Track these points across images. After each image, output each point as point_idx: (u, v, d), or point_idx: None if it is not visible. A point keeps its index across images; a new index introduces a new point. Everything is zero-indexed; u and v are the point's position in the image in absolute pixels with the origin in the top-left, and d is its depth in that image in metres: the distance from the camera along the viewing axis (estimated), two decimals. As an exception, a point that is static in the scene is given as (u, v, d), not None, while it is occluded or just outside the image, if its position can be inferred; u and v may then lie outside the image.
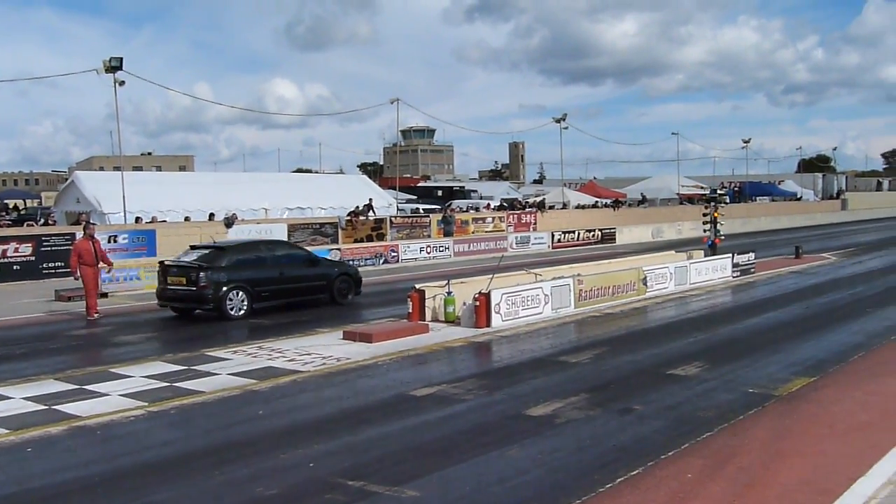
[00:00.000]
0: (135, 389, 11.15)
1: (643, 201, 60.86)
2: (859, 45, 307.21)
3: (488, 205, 50.60)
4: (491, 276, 17.70)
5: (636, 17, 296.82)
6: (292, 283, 19.04)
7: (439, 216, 39.38)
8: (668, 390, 10.88)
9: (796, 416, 9.53)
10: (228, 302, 17.74)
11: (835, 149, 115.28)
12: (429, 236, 37.19)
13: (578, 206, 53.32)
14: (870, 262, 30.87)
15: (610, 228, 45.12)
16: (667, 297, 20.97)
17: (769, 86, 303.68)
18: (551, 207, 50.38)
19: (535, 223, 43.63)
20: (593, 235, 43.33)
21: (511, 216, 43.09)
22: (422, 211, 44.98)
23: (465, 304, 16.57)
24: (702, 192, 60.04)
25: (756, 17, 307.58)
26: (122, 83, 28.62)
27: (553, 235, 41.26)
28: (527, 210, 46.81)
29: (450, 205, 48.92)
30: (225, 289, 17.69)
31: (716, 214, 26.32)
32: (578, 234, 42.48)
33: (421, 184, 76.48)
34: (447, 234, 37.57)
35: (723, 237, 26.90)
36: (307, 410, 10.25)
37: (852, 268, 28.55)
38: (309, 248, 23.11)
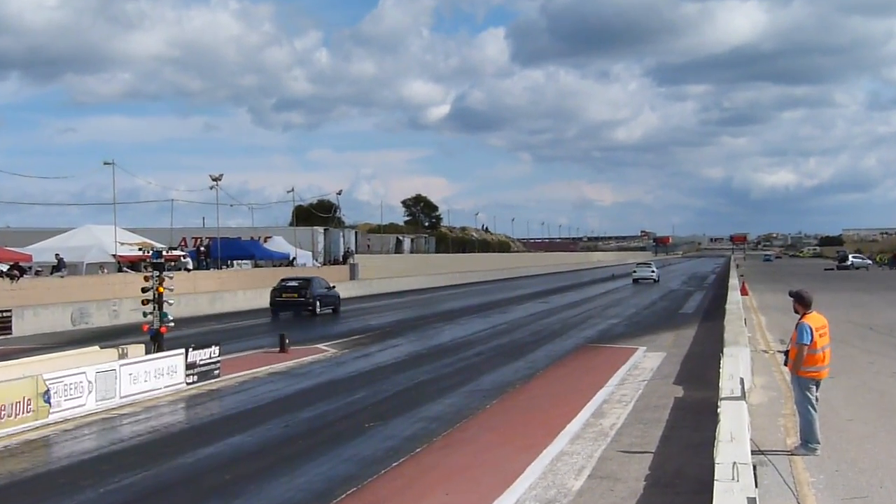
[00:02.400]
0: None
1: (60, 267, 60.22)
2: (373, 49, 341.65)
3: None
4: None
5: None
6: (334, 298, 57.14)
7: None
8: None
9: None
10: (317, 306, 54.37)
11: (340, 192, 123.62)
12: None
13: (-46, 276, 51.26)
14: (379, 354, 33.99)
15: (4, 312, 43.89)
16: (83, 419, 20.93)
17: (257, 98, 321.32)
18: None
19: None
20: (-26, 323, 41.88)
21: None
22: None
23: None
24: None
25: None
26: None
27: None
28: None
29: None
30: (315, 299, 54.46)
31: (160, 289, 26.71)
32: (-50, 321, 40.72)
33: None
34: None
35: (172, 324, 27.41)
36: None
37: (356, 364, 31.20)
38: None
